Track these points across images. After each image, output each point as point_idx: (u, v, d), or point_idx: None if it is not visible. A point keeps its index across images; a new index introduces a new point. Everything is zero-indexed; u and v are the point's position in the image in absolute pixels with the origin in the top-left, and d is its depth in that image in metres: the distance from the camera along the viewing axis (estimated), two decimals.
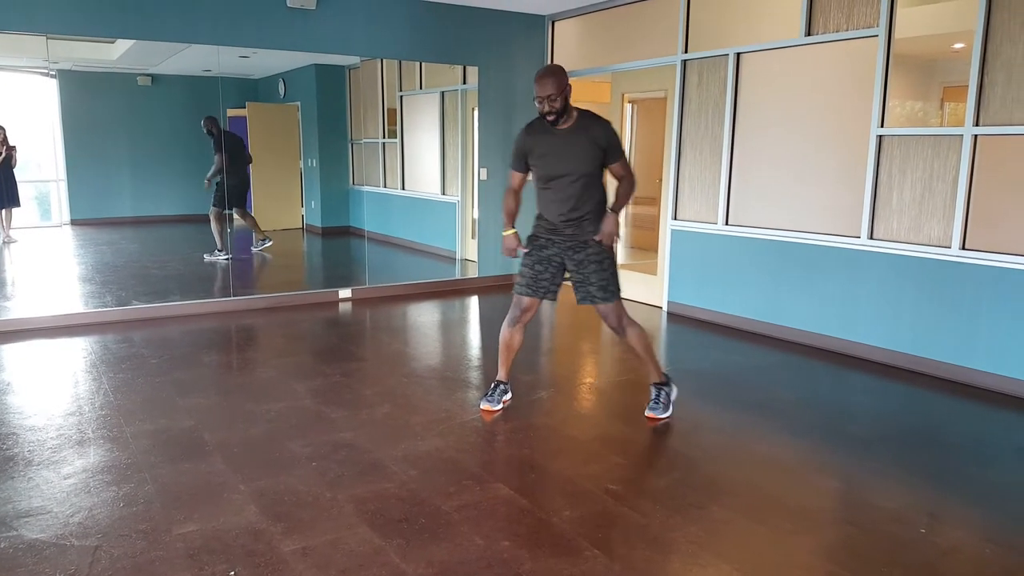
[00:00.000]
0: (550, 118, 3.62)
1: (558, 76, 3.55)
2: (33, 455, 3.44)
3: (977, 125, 4.49)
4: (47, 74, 6.82)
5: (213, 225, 7.40)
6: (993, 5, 4.37)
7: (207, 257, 7.65)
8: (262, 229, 7.87)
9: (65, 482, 3.19)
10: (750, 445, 3.79)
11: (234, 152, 7.28)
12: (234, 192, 7.38)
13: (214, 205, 7.37)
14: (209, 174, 7.32)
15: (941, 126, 4.83)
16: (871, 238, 5.09)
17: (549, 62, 7.75)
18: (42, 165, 7.19)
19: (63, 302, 6.50)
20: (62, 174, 7.12)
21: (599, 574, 2.53)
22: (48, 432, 3.72)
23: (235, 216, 7.51)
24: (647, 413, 4.00)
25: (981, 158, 4.52)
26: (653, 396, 4.02)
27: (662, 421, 3.97)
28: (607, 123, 3.74)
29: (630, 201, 3.96)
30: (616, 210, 3.80)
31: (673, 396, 4.05)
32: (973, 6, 4.46)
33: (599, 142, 3.69)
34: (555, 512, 2.97)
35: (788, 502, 3.11)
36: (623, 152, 3.81)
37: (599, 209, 3.82)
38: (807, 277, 5.49)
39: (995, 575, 2.60)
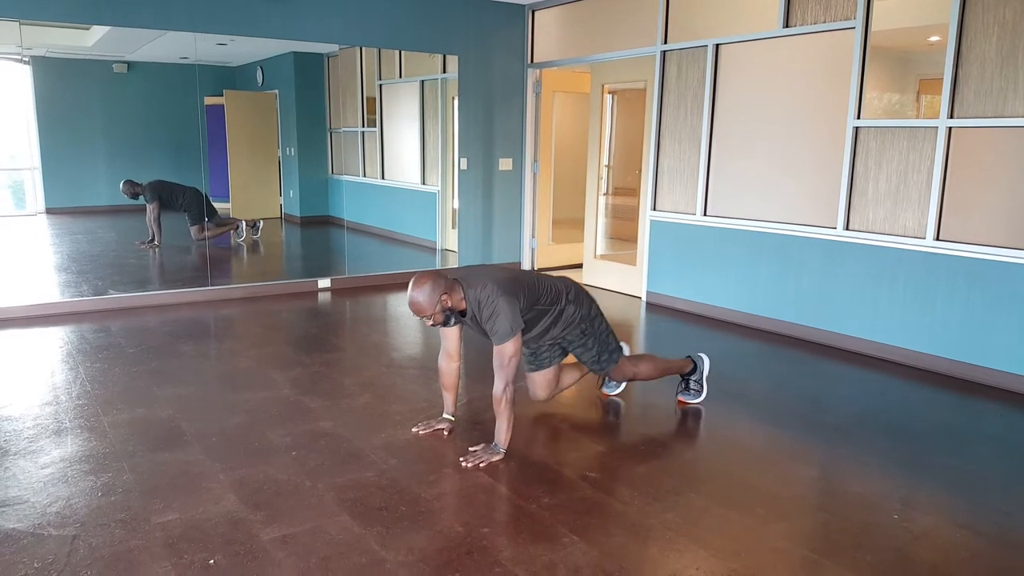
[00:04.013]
0: (441, 326, 3.37)
1: (421, 298, 3.17)
2: (10, 445, 3.42)
3: (952, 117, 4.55)
4: (20, 60, 6.72)
5: (210, 234, 7.59)
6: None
7: (237, 240, 8.02)
8: (236, 222, 7.94)
9: (42, 472, 3.17)
10: (726, 433, 3.84)
11: (164, 193, 7.31)
12: (197, 208, 7.43)
13: (194, 224, 7.45)
14: (156, 238, 7.48)
15: (917, 118, 4.88)
16: (847, 229, 5.14)
17: (529, 54, 7.75)
18: (16, 153, 7.09)
19: (39, 291, 6.43)
20: (37, 162, 7.03)
21: (577, 560, 2.56)
22: (25, 422, 3.69)
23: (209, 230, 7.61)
24: (678, 397, 4.17)
25: (955, 150, 4.58)
26: (681, 387, 4.17)
27: (693, 404, 4.12)
28: (491, 308, 3.26)
29: (508, 429, 3.37)
30: (499, 443, 3.37)
31: (705, 372, 4.14)
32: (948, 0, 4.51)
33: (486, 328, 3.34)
34: (534, 499, 3.00)
35: (763, 489, 3.15)
36: (505, 335, 3.25)
37: (564, 322, 3.63)
38: (784, 267, 5.54)
39: (965, 559, 2.66)
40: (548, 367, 3.83)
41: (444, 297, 3.21)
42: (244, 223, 7.99)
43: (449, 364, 3.61)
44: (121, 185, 7.25)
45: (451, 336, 3.57)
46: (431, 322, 3.27)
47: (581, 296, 3.69)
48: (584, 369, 3.96)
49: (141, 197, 7.32)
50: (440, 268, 3.45)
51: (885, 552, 2.67)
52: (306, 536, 2.69)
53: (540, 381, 3.86)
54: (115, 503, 2.91)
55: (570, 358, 3.91)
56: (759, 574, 2.52)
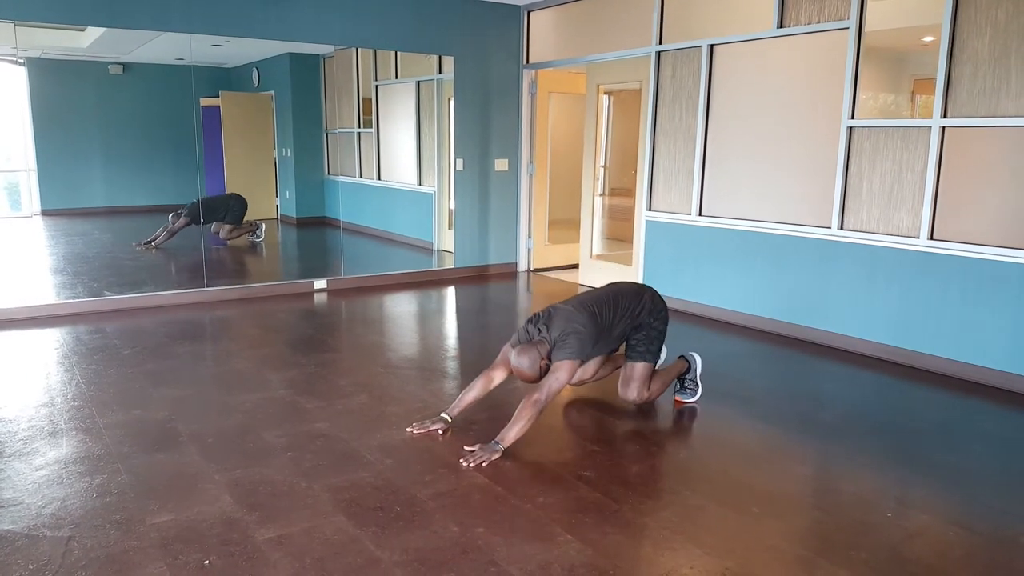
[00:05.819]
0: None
1: (526, 367, 3.45)
2: (4, 446, 3.42)
3: (945, 117, 4.56)
4: (16, 62, 6.72)
5: (236, 234, 7.91)
6: None
7: (252, 239, 8.20)
8: (255, 223, 8.15)
9: (37, 473, 3.17)
10: (721, 432, 3.84)
11: (202, 210, 7.39)
12: (241, 211, 7.79)
13: (234, 228, 7.81)
14: (156, 240, 7.60)
15: (911, 118, 4.90)
16: (841, 228, 5.16)
17: (524, 55, 7.76)
18: (12, 155, 7.09)
19: (34, 293, 6.43)
20: (32, 164, 7.02)
21: (572, 559, 2.57)
22: (20, 423, 3.69)
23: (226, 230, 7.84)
24: (675, 397, 4.22)
25: (949, 150, 4.60)
26: (677, 387, 4.22)
27: (688, 404, 4.16)
28: (564, 341, 3.50)
29: (519, 433, 3.43)
30: (502, 440, 3.41)
31: (698, 370, 4.20)
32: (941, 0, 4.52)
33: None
34: (529, 499, 3.00)
35: (758, 487, 3.16)
36: (566, 355, 3.49)
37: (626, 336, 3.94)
38: (779, 267, 5.55)
39: (959, 557, 2.66)
40: (597, 355, 4.06)
41: (543, 362, 3.49)
42: (263, 224, 8.13)
43: (487, 383, 3.70)
44: (169, 219, 7.44)
45: (504, 368, 3.68)
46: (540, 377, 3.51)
47: (652, 319, 3.93)
48: (617, 362, 4.21)
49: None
50: (532, 334, 3.62)
51: (880, 550, 2.67)
52: (301, 537, 2.69)
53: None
54: (110, 504, 2.91)
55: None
56: (754, 573, 2.52)
